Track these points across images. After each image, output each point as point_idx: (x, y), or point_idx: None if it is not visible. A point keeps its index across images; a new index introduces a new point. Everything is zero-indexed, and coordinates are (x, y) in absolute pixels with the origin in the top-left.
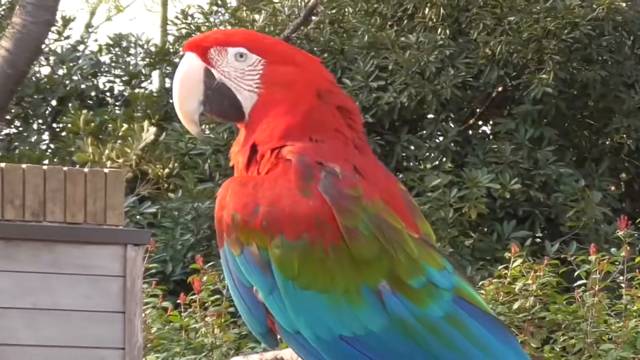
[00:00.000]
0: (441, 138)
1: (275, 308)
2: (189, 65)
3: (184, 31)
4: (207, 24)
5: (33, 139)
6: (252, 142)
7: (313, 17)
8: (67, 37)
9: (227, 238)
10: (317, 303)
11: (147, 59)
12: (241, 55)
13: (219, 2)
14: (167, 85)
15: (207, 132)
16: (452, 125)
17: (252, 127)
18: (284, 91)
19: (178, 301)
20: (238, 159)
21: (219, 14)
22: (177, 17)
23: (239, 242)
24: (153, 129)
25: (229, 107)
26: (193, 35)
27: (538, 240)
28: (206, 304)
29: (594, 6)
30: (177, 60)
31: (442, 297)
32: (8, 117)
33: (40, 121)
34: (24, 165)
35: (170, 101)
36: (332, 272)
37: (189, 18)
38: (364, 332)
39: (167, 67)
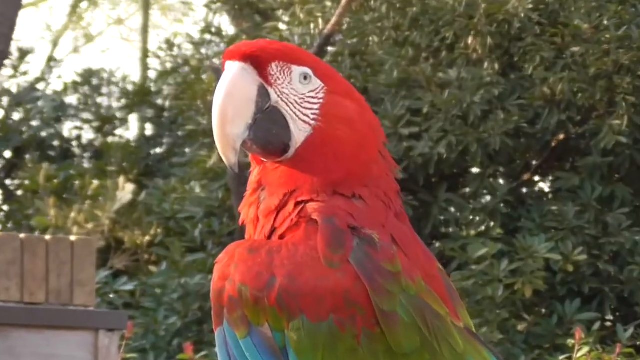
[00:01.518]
0: (488, 197)
1: None
2: (242, 78)
3: (168, 65)
4: (197, 56)
5: None
6: (288, 187)
7: (329, 48)
8: (25, 73)
9: (228, 316)
10: None
11: (124, 100)
12: (305, 77)
13: (213, 30)
14: (148, 132)
15: (198, 190)
16: (502, 182)
17: (296, 167)
18: (348, 130)
19: None
20: (250, 210)
21: (213, 44)
22: (160, 48)
23: (246, 322)
24: (130, 187)
25: (275, 137)
26: (180, 70)
27: (608, 323)
28: None
29: None
30: (159, 101)
31: None
32: None
33: None
34: None
35: (152, 152)
36: None
37: (175, 49)
38: None
39: (148, 110)
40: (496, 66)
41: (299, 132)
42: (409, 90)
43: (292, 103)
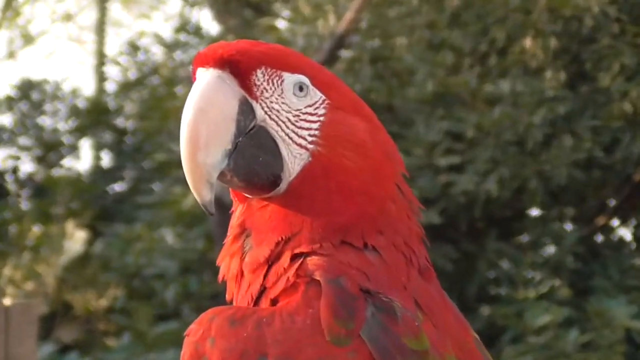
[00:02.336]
0: (552, 248)
1: None
2: (219, 90)
3: (132, 74)
4: (169, 62)
5: None
6: (281, 234)
7: (343, 52)
8: None
9: None
10: None
11: (73, 121)
12: (301, 88)
13: (190, 29)
14: (105, 163)
15: (170, 239)
16: (570, 228)
17: (290, 206)
18: (357, 157)
19: None
20: (232, 263)
21: (190, 47)
22: (121, 53)
23: None
24: (82, 235)
25: (262, 167)
26: (146, 82)
27: None
28: None
29: None
30: (120, 122)
31: None
32: None
33: None
34: None
35: (110, 189)
36: None
37: (141, 54)
38: None
39: (105, 134)
40: (562, 76)
41: (294, 160)
42: (447, 107)
43: (284, 122)
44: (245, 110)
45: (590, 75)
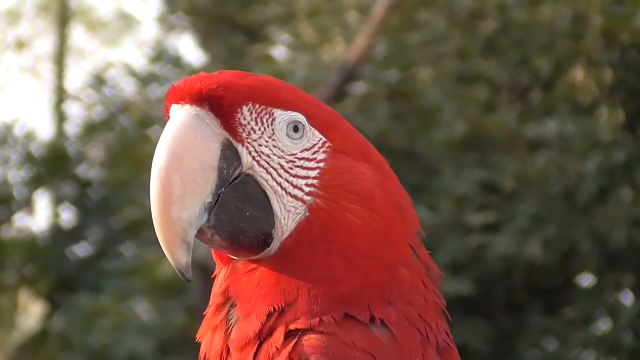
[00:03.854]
0: (608, 323)
1: None
2: (196, 131)
3: (97, 113)
4: (143, 98)
5: None
6: (272, 303)
7: (354, 85)
8: None
9: None
10: None
11: (27, 169)
12: (296, 129)
13: (168, 57)
14: (65, 221)
15: (144, 312)
16: (629, 299)
17: (283, 270)
18: (364, 211)
19: None
20: (215, 338)
21: (167, 80)
22: (85, 87)
23: None
24: (38, 308)
25: (250, 223)
26: (114, 123)
27: None
28: None
29: None
30: (82, 172)
31: None
32: None
33: None
34: None
35: (71, 253)
36: None
37: (108, 89)
38: None
39: (66, 184)
40: (619, 116)
41: (287, 215)
42: (480, 153)
43: (275, 169)
44: (229, 155)
45: None
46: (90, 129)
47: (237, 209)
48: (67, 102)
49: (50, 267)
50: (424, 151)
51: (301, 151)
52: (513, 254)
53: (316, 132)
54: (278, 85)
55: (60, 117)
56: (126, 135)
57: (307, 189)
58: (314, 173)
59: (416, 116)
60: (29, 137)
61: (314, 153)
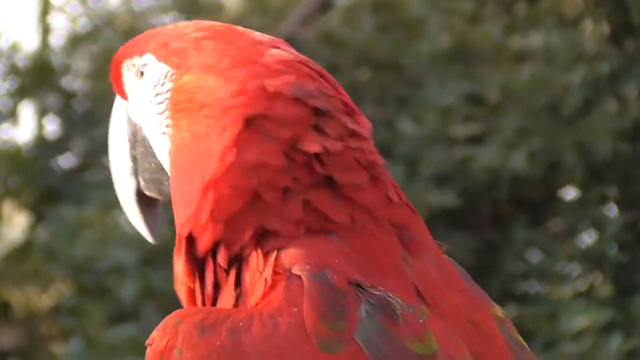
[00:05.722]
0: (592, 236)
1: None
2: (115, 109)
3: (82, 25)
4: (129, 10)
5: None
6: (184, 232)
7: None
8: None
9: None
10: None
11: (12, 81)
12: (142, 73)
13: None
14: (50, 133)
15: (129, 225)
16: (614, 212)
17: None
18: (204, 128)
19: None
20: (180, 273)
21: None
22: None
23: None
24: (22, 219)
25: (160, 173)
26: (99, 35)
27: None
28: None
29: None
30: (67, 84)
31: None
32: None
33: None
34: None
35: (56, 164)
36: None
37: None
38: None
39: (50, 98)
40: (604, 28)
41: (161, 151)
42: (465, 65)
43: (147, 115)
44: (129, 119)
45: (639, 27)
46: (75, 41)
47: (148, 164)
48: (52, 14)
49: (35, 179)
50: (409, 63)
51: (153, 87)
52: (498, 166)
53: (163, 66)
54: (147, 33)
55: (45, 29)
56: (111, 47)
57: (164, 123)
58: (163, 106)
59: (401, 28)
60: (14, 48)
61: (161, 86)
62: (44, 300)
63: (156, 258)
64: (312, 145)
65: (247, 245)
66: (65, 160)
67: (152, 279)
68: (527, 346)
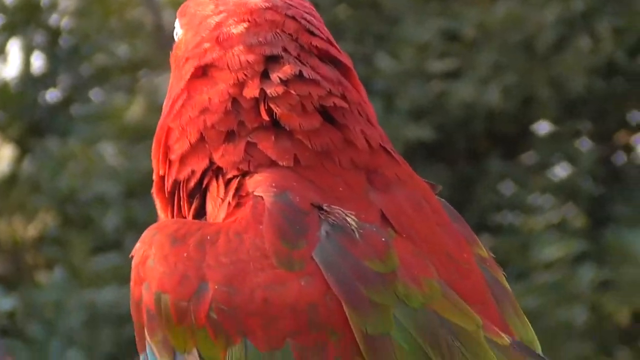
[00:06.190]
0: (565, 169)
1: None
2: None
3: None
4: None
5: None
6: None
7: None
8: None
9: (149, 337)
10: None
11: (0, 17)
12: (175, 33)
13: None
14: (36, 68)
15: (112, 157)
16: (587, 145)
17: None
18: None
19: None
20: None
21: None
22: None
23: (169, 347)
24: (8, 152)
25: None
26: None
27: None
28: None
29: None
30: (53, 20)
31: None
32: None
33: None
34: None
35: (42, 98)
36: None
37: None
38: None
39: (38, 33)
40: None
41: None
42: (442, 3)
43: None
44: None
45: None
46: None
47: None
48: None
49: (22, 113)
50: (388, 1)
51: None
52: (473, 101)
53: (178, 28)
54: None
55: None
56: None
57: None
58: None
59: None
60: None
61: (176, 48)
62: (29, 230)
63: (138, 190)
64: (253, 91)
65: (206, 178)
66: (51, 95)
67: (134, 210)
68: (508, 287)
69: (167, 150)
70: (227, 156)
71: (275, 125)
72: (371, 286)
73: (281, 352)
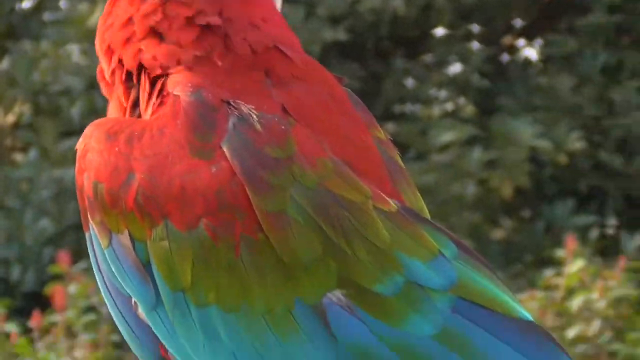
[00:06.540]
0: (458, 67)
1: (162, 331)
2: None
3: None
4: None
5: None
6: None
7: None
8: None
9: (91, 219)
10: (221, 327)
11: None
12: None
13: None
14: None
15: (76, 56)
16: (477, 47)
17: None
18: None
19: (29, 324)
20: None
21: None
22: None
23: (106, 228)
24: None
25: None
26: None
27: (610, 231)
28: (74, 329)
29: None
30: None
31: (431, 304)
32: None
33: None
34: None
35: (17, 7)
36: (244, 280)
37: None
38: None
39: None
40: None
41: None
42: None
43: None
44: None
45: None
46: None
47: None
48: None
49: (0, 20)
50: None
51: None
52: (381, 8)
53: None
54: None
55: None
56: None
57: None
58: None
59: None
60: None
61: None
62: (8, 118)
63: (98, 84)
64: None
65: (138, 74)
66: (26, 4)
67: (95, 100)
68: (403, 165)
69: (106, 45)
70: (149, 55)
71: (159, 36)
72: (270, 170)
73: (196, 230)
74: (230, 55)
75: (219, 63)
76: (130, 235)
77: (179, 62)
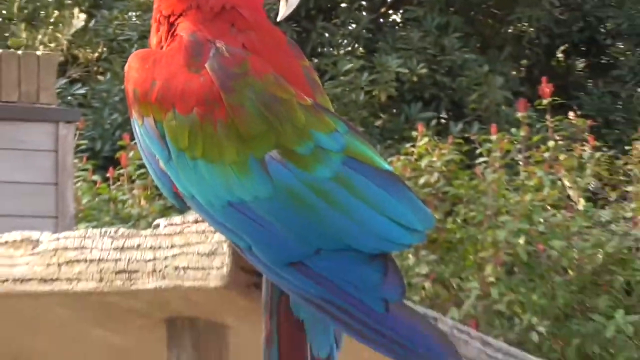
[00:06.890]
0: (354, 26)
1: (173, 175)
2: None
3: None
4: None
5: None
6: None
7: None
8: None
9: (132, 110)
10: (205, 172)
11: None
12: None
13: None
14: None
15: (134, 19)
16: (365, 14)
17: None
18: None
19: (107, 175)
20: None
21: None
22: None
23: (140, 115)
24: (83, 16)
25: None
26: None
27: (443, 121)
28: (133, 178)
29: None
30: None
31: (330, 159)
32: None
33: None
34: None
35: None
36: (219, 145)
37: None
38: (251, 199)
39: None
40: None
41: None
42: None
43: None
44: None
45: None
46: None
47: None
48: None
49: None
50: None
51: None
52: None
53: None
54: None
55: None
56: None
57: None
58: None
59: None
60: None
61: None
62: (94, 54)
63: (147, 34)
64: None
65: (163, 25)
66: None
67: (146, 45)
68: (319, 82)
69: (154, 14)
70: (166, 8)
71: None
72: (234, 80)
73: (191, 115)
74: (203, 11)
75: (199, 15)
76: (153, 118)
77: (180, 14)
